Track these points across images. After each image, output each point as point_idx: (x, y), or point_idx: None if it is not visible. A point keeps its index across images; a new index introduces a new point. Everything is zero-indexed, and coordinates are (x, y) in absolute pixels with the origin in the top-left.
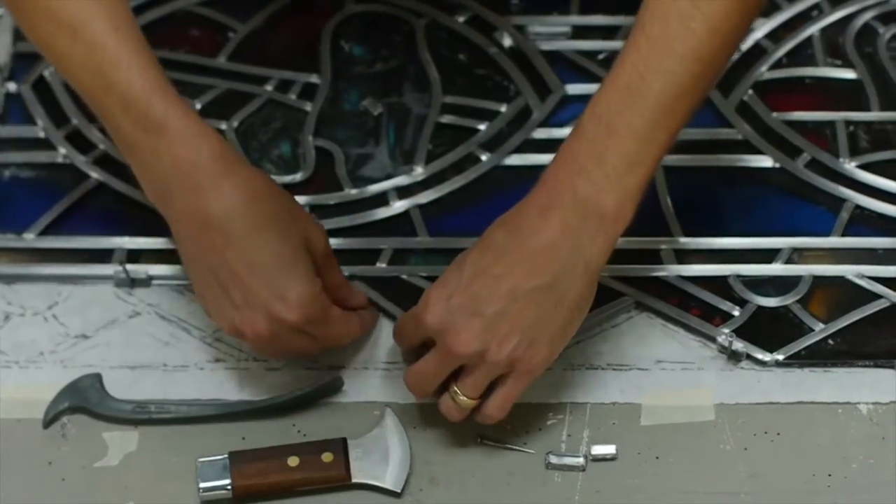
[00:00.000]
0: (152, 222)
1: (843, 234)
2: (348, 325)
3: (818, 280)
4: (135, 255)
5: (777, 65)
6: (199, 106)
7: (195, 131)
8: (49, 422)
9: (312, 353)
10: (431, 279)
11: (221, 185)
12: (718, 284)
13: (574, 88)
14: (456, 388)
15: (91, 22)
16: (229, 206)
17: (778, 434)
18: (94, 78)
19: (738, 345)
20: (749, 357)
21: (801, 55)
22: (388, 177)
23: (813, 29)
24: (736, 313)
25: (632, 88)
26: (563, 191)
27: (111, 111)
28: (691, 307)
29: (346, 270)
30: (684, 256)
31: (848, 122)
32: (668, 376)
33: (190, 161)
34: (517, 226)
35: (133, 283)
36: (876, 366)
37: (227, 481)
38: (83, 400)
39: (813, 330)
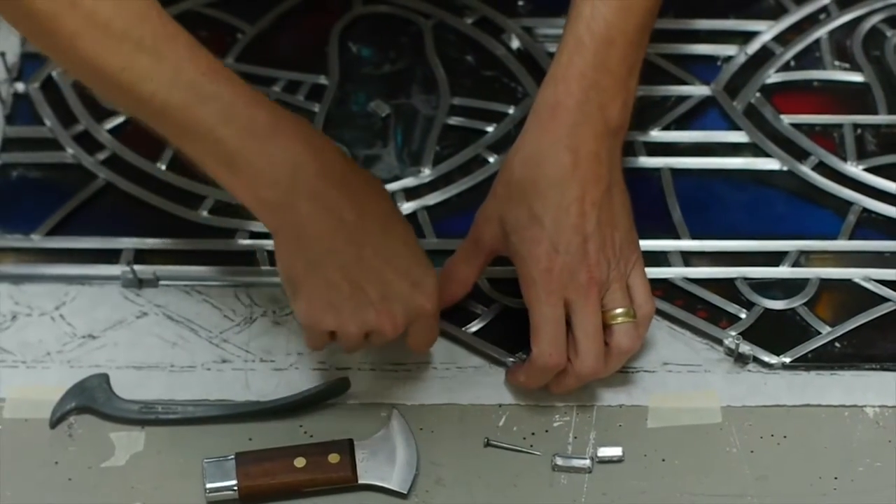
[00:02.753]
0: (160, 223)
1: (851, 238)
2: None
3: (825, 283)
4: (142, 256)
5: (785, 67)
6: None
7: (311, 132)
8: (56, 422)
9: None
10: None
11: (351, 181)
12: (725, 287)
13: None
14: (614, 312)
15: (174, 38)
16: (362, 201)
17: (784, 437)
18: (187, 92)
19: (745, 347)
20: (756, 360)
21: (808, 58)
22: (396, 178)
23: (821, 32)
24: (743, 316)
25: (624, 1)
26: (586, 107)
27: (207, 124)
28: (698, 309)
29: None
30: (691, 259)
31: (855, 126)
32: (675, 378)
33: (317, 160)
34: (554, 152)
35: (140, 283)
36: (883, 369)
37: (234, 482)
38: (90, 400)
39: (820, 333)
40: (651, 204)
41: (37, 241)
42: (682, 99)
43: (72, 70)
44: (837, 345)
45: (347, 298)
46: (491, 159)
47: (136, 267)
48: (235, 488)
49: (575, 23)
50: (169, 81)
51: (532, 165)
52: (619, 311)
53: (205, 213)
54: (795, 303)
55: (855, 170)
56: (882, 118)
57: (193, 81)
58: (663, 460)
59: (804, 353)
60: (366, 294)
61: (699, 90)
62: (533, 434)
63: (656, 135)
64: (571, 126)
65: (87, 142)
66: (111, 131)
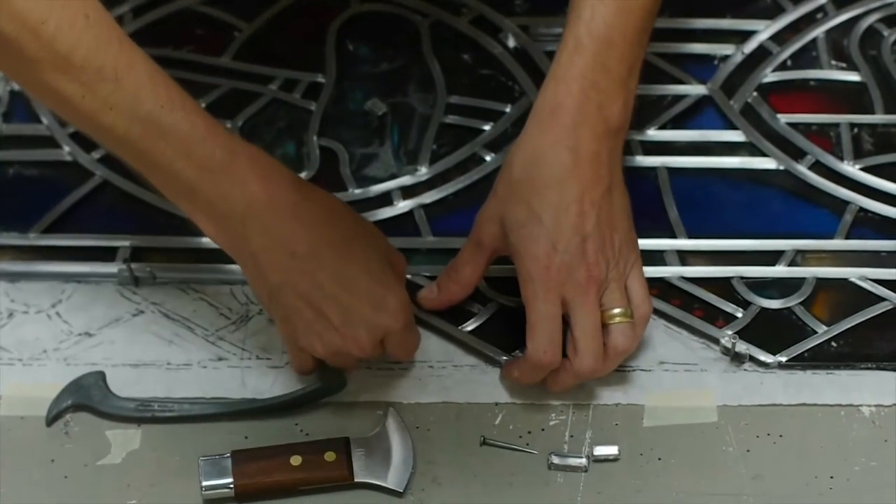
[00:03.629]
0: (157, 220)
1: (847, 237)
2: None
3: (821, 282)
4: (139, 254)
5: (781, 67)
6: (203, 105)
7: (266, 164)
8: (52, 419)
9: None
10: (435, 279)
11: (303, 213)
12: (722, 286)
13: None
14: (612, 312)
15: (133, 67)
16: (315, 231)
17: (780, 436)
18: (146, 125)
19: (741, 346)
20: (752, 359)
21: (805, 57)
22: (393, 177)
23: (817, 31)
24: (739, 315)
25: (623, 2)
26: (586, 107)
27: (166, 157)
28: (694, 308)
29: None
30: (688, 258)
31: (852, 125)
32: (671, 377)
33: (268, 195)
34: (554, 151)
35: (137, 281)
36: (878, 368)
37: (230, 480)
38: (86, 398)
39: (816, 332)
40: (647, 203)
41: (33, 238)
42: (679, 98)
43: (34, 94)
44: (834, 344)
45: (311, 323)
46: (488, 158)
47: (133, 265)
48: (231, 486)
49: (574, 24)
50: (128, 112)
51: (532, 164)
52: (616, 310)
53: None
54: (792, 302)
55: (851, 169)
56: (878, 117)
57: (152, 113)
58: (659, 459)
59: (800, 352)
60: (328, 319)
61: (696, 89)
62: (529, 433)
63: (653, 134)
64: (571, 126)
65: (84, 139)
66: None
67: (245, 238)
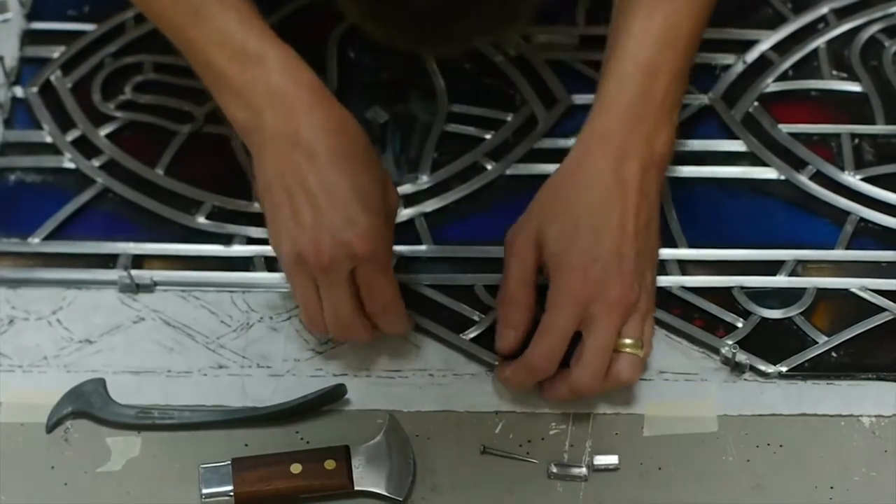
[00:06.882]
0: (158, 228)
1: (848, 247)
2: (399, 299)
3: (822, 292)
4: (139, 261)
5: (783, 77)
6: (206, 111)
7: (292, 63)
8: (52, 426)
9: (363, 336)
10: (436, 287)
11: (314, 111)
12: (722, 296)
13: (580, 98)
14: (625, 340)
15: None
16: (318, 131)
17: (780, 446)
18: (185, 12)
19: (742, 356)
20: (752, 369)
21: (806, 67)
22: (394, 185)
23: (819, 41)
24: (739, 325)
25: (668, 35)
26: (634, 137)
27: (200, 45)
28: (695, 318)
29: None
30: (688, 267)
31: (853, 135)
32: (671, 387)
33: (287, 87)
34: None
35: (138, 288)
36: (879, 378)
37: (230, 487)
38: (86, 405)
39: (816, 342)
40: None
41: (34, 245)
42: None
43: None
44: (834, 354)
45: (286, 219)
46: (489, 166)
47: (134, 272)
48: (231, 494)
49: (620, 54)
50: (171, 2)
51: (578, 186)
52: (629, 340)
53: (202, 219)
54: (792, 312)
55: (852, 179)
56: (879, 128)
57: (192, 3)
58: (659, 469)
59: (801, 362)
60: (302, 217)
61: (697, 99)
62: (529, 442)
63: None
64: (620, 155)
65: (85, 146)
66: (109, 136)
67: (260, 129)
